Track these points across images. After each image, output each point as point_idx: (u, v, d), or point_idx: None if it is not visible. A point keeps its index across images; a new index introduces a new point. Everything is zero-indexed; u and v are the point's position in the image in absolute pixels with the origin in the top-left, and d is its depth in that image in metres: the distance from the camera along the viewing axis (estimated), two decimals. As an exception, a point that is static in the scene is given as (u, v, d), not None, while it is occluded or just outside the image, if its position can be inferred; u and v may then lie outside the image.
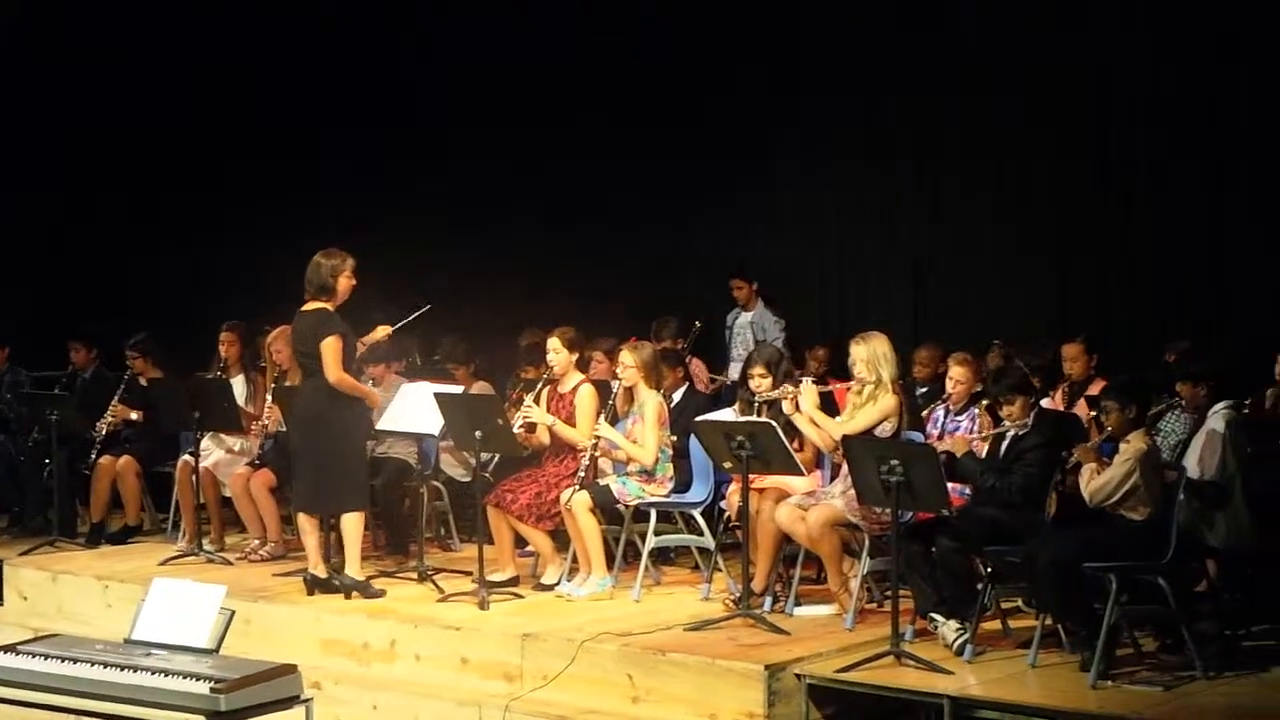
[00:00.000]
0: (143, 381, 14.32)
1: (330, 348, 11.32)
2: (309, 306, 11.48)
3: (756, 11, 15.97)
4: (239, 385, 13.44)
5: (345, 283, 11.43)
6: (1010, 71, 14.59)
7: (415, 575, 12.01)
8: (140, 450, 14.23)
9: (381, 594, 11.60)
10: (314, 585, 11.62)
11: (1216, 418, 9.63)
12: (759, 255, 15.99)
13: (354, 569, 11.58)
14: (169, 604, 8.39)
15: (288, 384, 12.78)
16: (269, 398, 12.99)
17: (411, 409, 12.25)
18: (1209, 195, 13.53)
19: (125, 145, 17.78)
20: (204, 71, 17.83)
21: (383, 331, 12.20)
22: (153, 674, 7.93)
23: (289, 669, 8.15)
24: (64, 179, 17.95)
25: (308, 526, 11.69)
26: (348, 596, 11.49)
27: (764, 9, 15.96)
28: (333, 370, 11.33)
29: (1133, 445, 9.35)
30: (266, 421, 13.01)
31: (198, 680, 7.83)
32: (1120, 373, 11.06)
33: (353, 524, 11.57)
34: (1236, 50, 13.52)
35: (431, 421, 11.98)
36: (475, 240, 17.52)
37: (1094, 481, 9.35)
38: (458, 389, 12.71)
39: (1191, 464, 9.55)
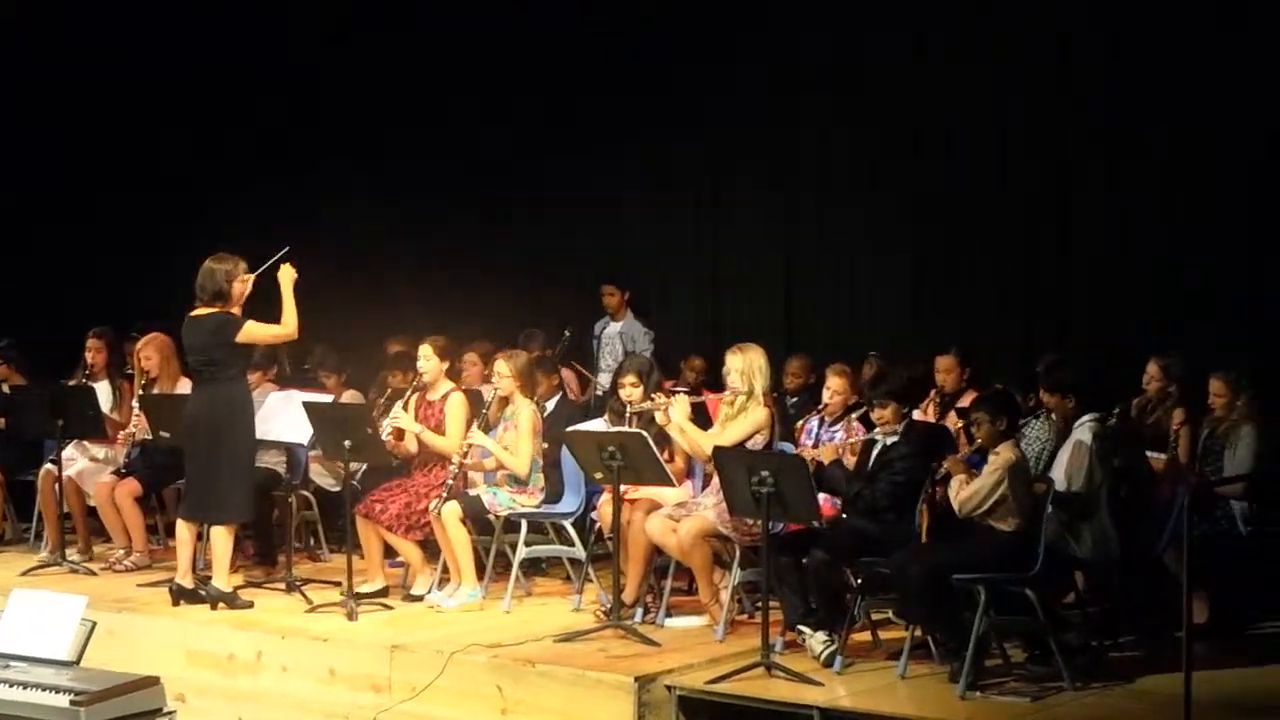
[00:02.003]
0: (5, 388, 14.11)
1: (255, 330, 11.27)
2: (202, 312, 11.30)
3: (629, 15, 15.94)
4: (105, 392, 13.27)
5: (239, 287, 11.30)
6: (877, 82, 14.65)
7: (283, 586, 11.91)
8: (1, 459, 14.00)
9: (249, 605, 11.48)
10: (180, 596, 11.48)
11: (1083, 429, 9.69)
12: (630, 264, 15.97)
13: (221, 579, 11.45)
14: (28, 615, 8.28)
15: (156, 391, 12.65)
16: (136, 405, 12.80)
17: (281, 418, 12.19)
18: (1075, 208, 13.61)
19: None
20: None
21: (243, 283, 11.78)
22: (11, 687, 7.83)
23: (151, 681, 8.06)
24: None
25: (186, 535, 11.54)
26: (214, 607, 11.35)
27: (637, 13, 15.94)
28: (277, 332, 11.43)
29: (1002, 456, 9.38)
30: (133, 429, 12.82)
31: (57, 693, 7.74)
32: (991, 385, 11.09)
33: (222, 534, 11.44)
34: (1087, 56, 13.64)
35: (300, 430, 11.91)
36: (343, 247, 17.42)
37: (963, 492, 9.39)
38: (327, 398, 12.63)
39: (1058, 476, 9.61)
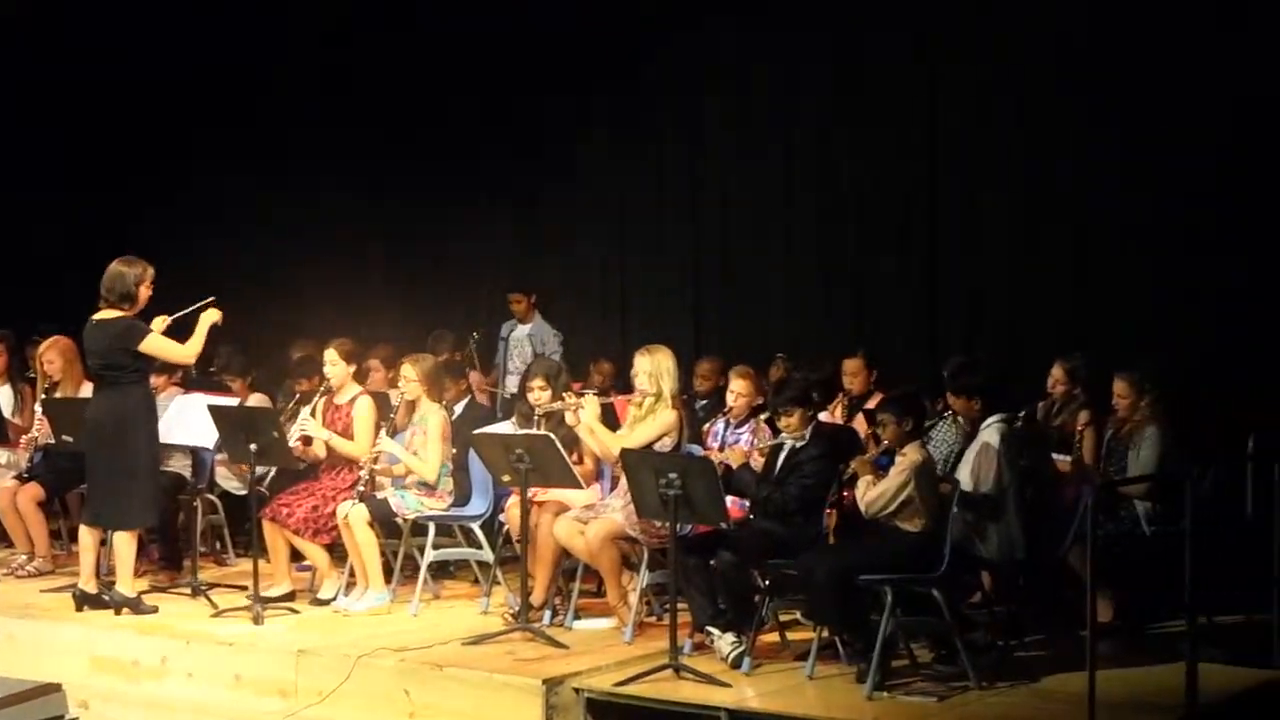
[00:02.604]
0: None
1: (158, 344, 11.14)
2: (106, 315, 11.19)
3: (526, 16, 15.94)
4: (6, 396, 13.15)
5: (145, 291, 11.22)
6: (782, 84, 14.69)
7: (189, 590, 11.81)
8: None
9: (153, 610, 11.39)
10: (83, 601, 11.37)
11: (990, 431, 9.72)
12: (537, 267, 15.96)
13: (125, 584, 11.34)
14: (-73, 622, 8.19)
15: (59, 395, 12.54)
16: (38, 409, 12.68)
17: (186, 421, 12.14)
18: (982, 211, 13.67)
19: None
20: None
21: (160, 323, 11.77)
22: (-90, 694, 7.74)
23: (53, 688, 8.01)
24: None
25: (89, 540, 11.44)
26: (118, 612, 11.25)
27: (524, 17, 15.95)
28: (178, 353, 11.35)
29: (908, 458, 9.42)
30: (36, 434, 12.70)
31: (-43, 700, 7.66)
32: (898, 388, 11.13)
33: (125, 538, 11.34)
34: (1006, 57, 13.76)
35: (206, 434, 11.85)
36: (248, 247, 17.37)
37: (870, 493, 9.41)
38: (233, 401, 12.56)
39: (965, 476, 9.64)
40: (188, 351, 11.35)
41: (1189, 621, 8.84)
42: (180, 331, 11.33)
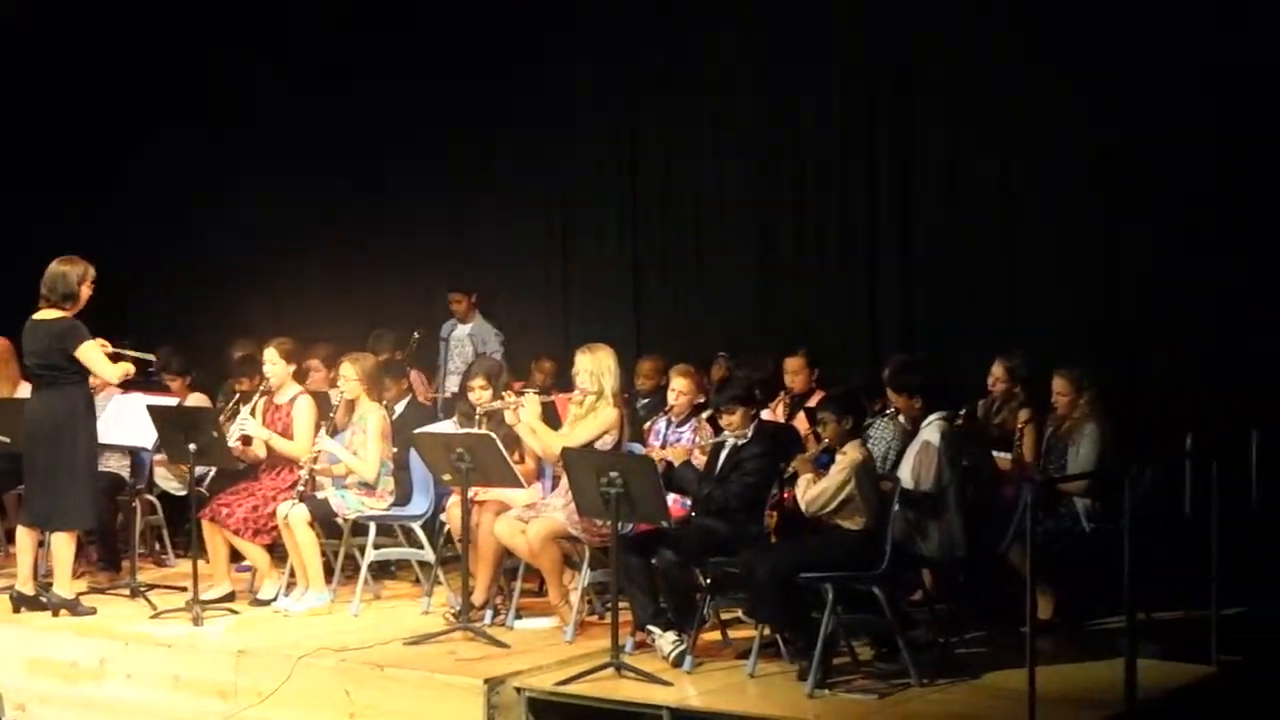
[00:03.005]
0: None
1: (92, 352, 11.09)
2: (46, 316, 11.14)
3: (477, 16, 15.94)
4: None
5: (87, 290, 11.19)
6: (720, 85, 14.71)
7: (128, 591, 11.78)
8: None
9: (92, 611, 11.33)
10: (20, 603, 11.31)
11: (930, 429, 9.74)
12: (478, 266, 15.93)
13: (63, 586, 11.28)
14: None
15: (-3, 396, 12.49)
16: (-25, 411, 12.59)
17: (124, 421, 12.10)
18: (914, 209, 13.70)
19: None
20: None
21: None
22: None
23: (-10, 690, 7.94)
24: None
25: (26, 542, 11.38)
26: (56, 614, 11.20)
27: (478, 16, 15.96)
28: (108, 371, 11.20)
29: (849, 456, 9.43)
30: (-30, 434, 12.62)
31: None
32: (839, 386, 11.15)
33: (63, 539, 11.28)
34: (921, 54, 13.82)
35: (145, 434, 11.80)
36: (185, 247, 17.31)
37: (810, 491, 9.42)
38: (172, 401, 12.51)
39: (905, 475, 9.66)
40: (114, 371, 11.28)
41: (1128, 618, 8.88)
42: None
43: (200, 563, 11.32)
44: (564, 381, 12.67)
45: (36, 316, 11.18)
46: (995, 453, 10.89)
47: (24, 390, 12.22)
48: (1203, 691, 9.42)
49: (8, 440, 12.06)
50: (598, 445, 10.44)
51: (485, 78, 15.95)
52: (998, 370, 11.58)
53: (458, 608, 10.57)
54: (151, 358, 11.54)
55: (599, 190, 15.53)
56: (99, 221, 16.61)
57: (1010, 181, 13.18)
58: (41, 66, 17.36)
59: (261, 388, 11.79)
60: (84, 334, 11.08)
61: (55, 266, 11.17)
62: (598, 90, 15.47)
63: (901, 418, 10.53)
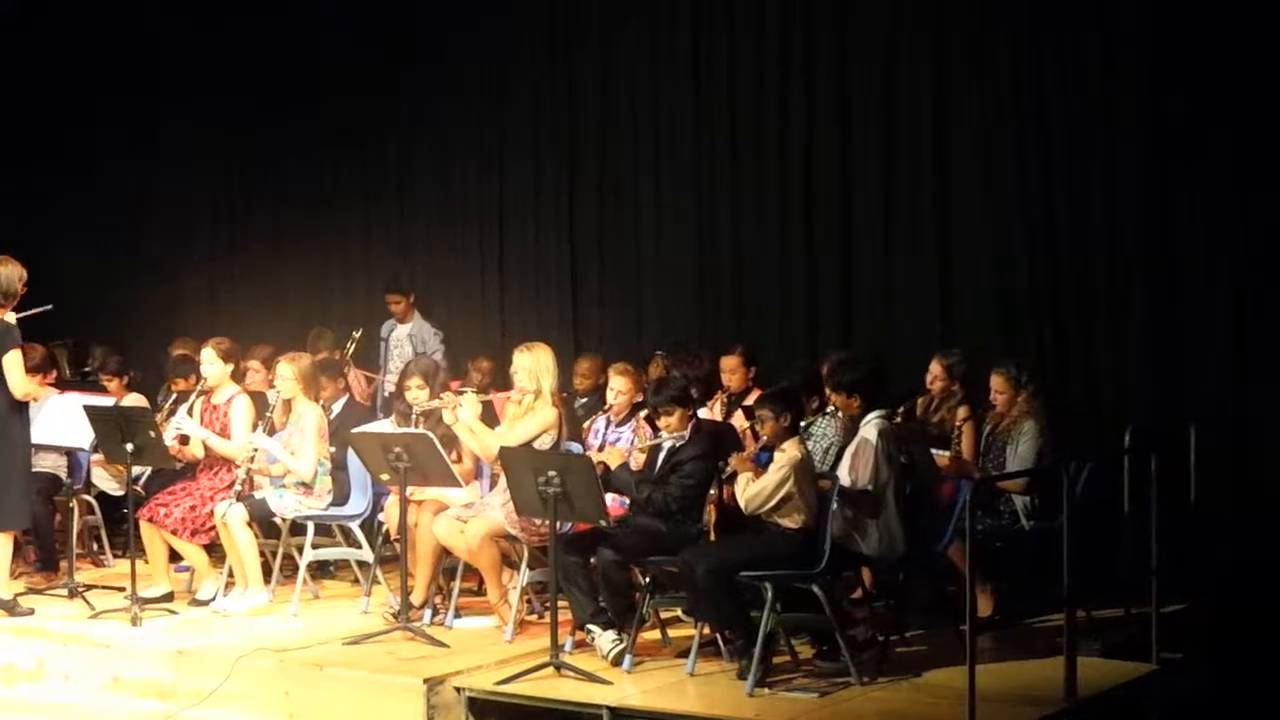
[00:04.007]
0: None
1: (15, 361, 11.06)
2: None
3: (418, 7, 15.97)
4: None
5: (21, 289, 11.16)
6: (663, 79, 14.71)
7: (65, 592, 11.74)
8: None
9: (30, 612, 11.31)
10: (-42, 604, 11.27)
11: (869, 427, 9.74)
12: (411, 265, 15.89)
13: (1, 586, 11.22)
14: None
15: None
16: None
17: (61, 421, 12.05)
18: (854, 205, 13.70)
19: None
20: None
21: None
22: None
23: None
24: None
25: (-32, 545, 11.34)
26: (-8, 615, 11.16)
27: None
28: (21, 385, 11.11)
29: (787, 454, 9.44)
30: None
31: None
32: (776, 384, 11.14)
33: (1, 540, 11.21)
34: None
35: (82, 434, 11.74)
36: (127, 245, 17.24)
37: (749, 489, 9.42)
38: (109, 401, 12.45)
39: (844, 473, 9.67)
40: (25, 388, 11.21)
41: (1068, 616, 8.94)
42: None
43: (138, 563, 11.26)
44: (501, 381, 12.66)
45: (-29, 318, 11.14)
46: (934, 450, 10.91)
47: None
48: (1142, 689, 9.46)
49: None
50: (536, 445, 10.43)
51: (425, 74, 15.92)
52: (935, 368, 11.58)
53: (397, 607, 10.54)
54: (48, 307, 11.46)
55: (535, 188, 15.48)
56: (31, 220, 16.55)
57: (946, 176, 13.17)
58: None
59: (199, 387, 11.74)
60: (15, 341, 11.07)
61: None
62: (533, 88, 15.43)
63: (841, 415, 10.54)
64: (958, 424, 11.25)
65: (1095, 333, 12.47)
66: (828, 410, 10.95)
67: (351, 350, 14.53)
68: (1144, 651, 9.71)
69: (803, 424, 10.25)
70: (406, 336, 14.86)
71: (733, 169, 14.29)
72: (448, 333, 14.95)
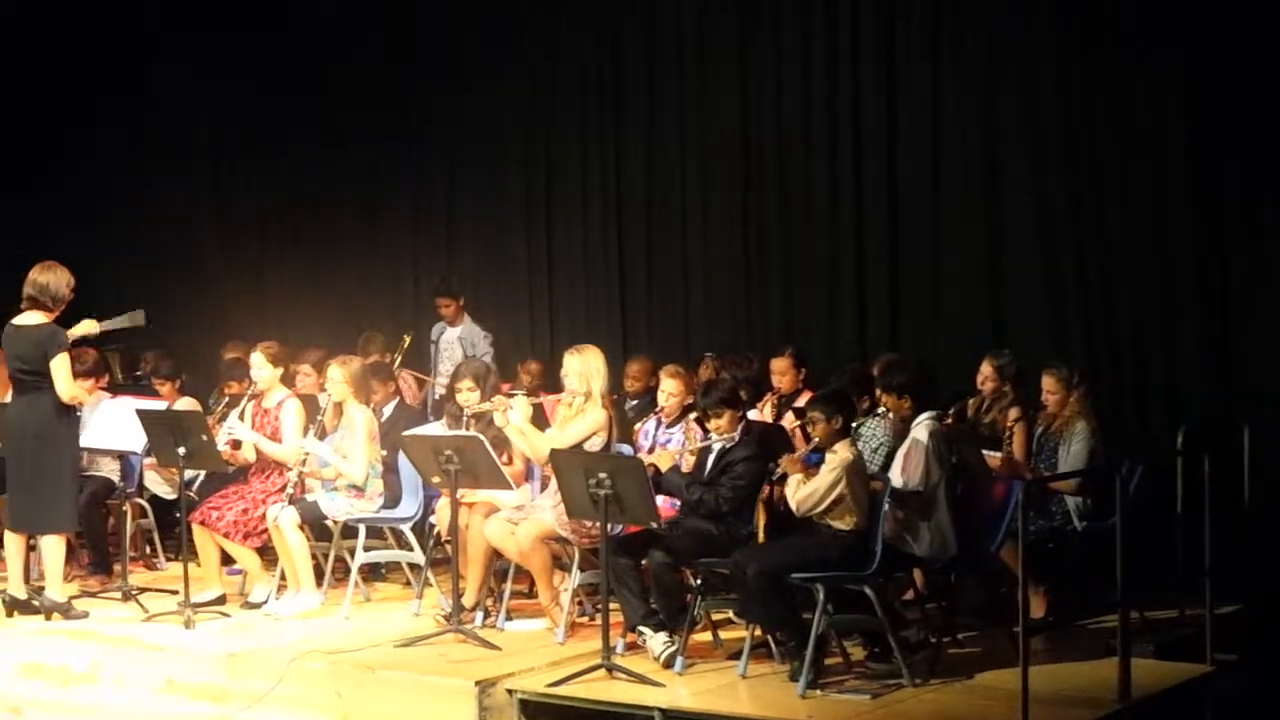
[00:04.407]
0: None
1: (62, 365, 11.09)
2: (29, 321, 11.19)
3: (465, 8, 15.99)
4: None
5: (70, 295, 11.24)
6: (705, 84, 14.73)
7: (119, 595, 11.78)
8: None
9: (84, 615, 11.36)
10: (13, 607, 11.34)
11: (920, 428, 9.72)
12: (468, 269, 15.92)
13: (55, 589, 11.30)
14: None
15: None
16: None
17: (114, 425, 12.11)
18: (910, 208, 13.66)
19: None
20: None
21: (89, 326, 11.70)
22: None
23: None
24: None
25: (15, 546, 11.39)
26: (48, 618, 11.22)
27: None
28: (67, 388, 11.14)
29: (839, 455, 9.42)
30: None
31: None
32: (827, 386, 11.12)
33: (55, 543, 11.29)
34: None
35: (134, 438, 11.79)
36: (179, 252, 17.30)
37: (800, 491, 9.41)
38: (161, 405, 12.50)
39: (895, 474, 9.65)
40: (72, 392, 11.27)
41: (1121, 617, 8.90)
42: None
43: (191, 566, 11.30)
44: (551, 383, 12.67)
45: (19, 321, 11.20)
46: (986, 451, 10.88)
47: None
48: (1196, 690, 9.41)
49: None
50: (586, 446, 10.41)
51: (473, 79, 15.93)
52: (986, 369, 11.55)
53: (448, 610, 10.55)
54: (140, 309, 11.56)
55: (584, 191, 15.48)
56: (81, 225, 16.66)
57: (995, 176, 13.13)
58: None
59: (249, 391, 11.78)
60: (64, 344, 11.13)
61: (44, 274, 11.19)
62: (582, 94, 15.43)
63: (892, 416, 10.52)
64: (1009, 425, 11.21)
65: (1147, 333, 12.42)
66: (878, 411, 10.92)
67: (402, 353, 14.57)
68: (1198, 652, 9.66)
69: (853, 425, 10.21)
70: (457, 339, 14.88)
71: (780, 170, 14.26)
72: (496, 335, 14.97)
